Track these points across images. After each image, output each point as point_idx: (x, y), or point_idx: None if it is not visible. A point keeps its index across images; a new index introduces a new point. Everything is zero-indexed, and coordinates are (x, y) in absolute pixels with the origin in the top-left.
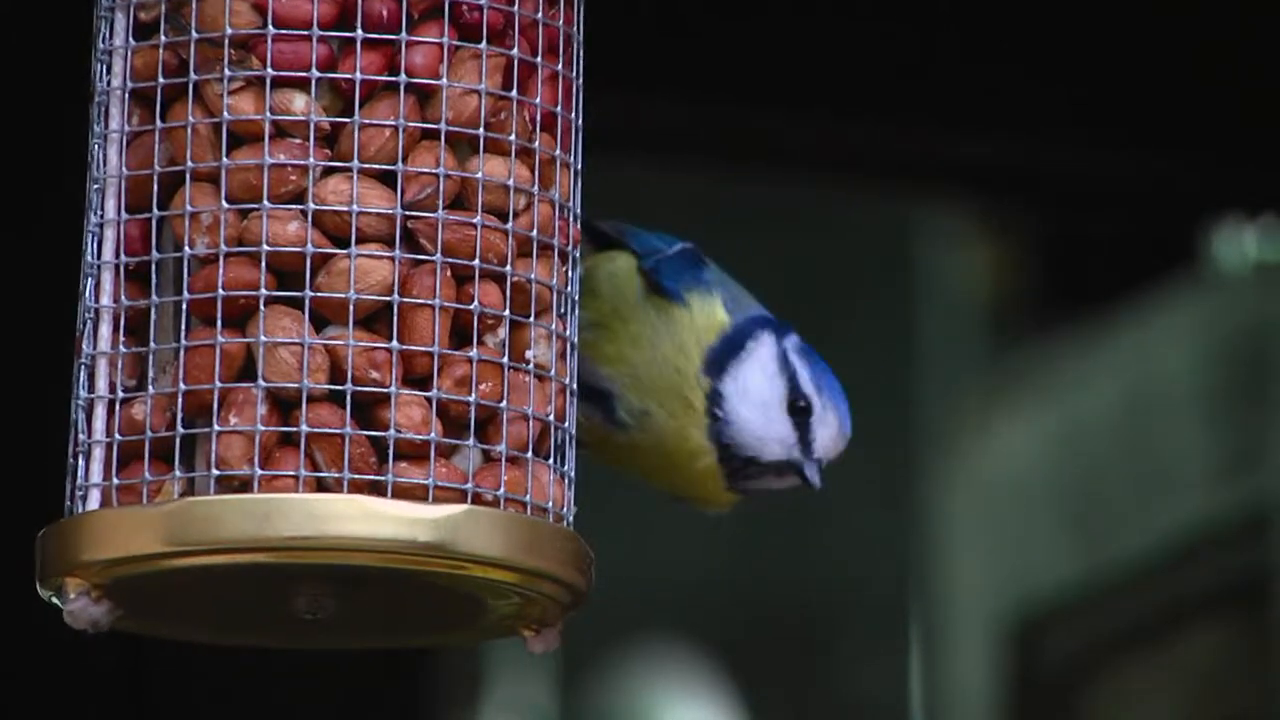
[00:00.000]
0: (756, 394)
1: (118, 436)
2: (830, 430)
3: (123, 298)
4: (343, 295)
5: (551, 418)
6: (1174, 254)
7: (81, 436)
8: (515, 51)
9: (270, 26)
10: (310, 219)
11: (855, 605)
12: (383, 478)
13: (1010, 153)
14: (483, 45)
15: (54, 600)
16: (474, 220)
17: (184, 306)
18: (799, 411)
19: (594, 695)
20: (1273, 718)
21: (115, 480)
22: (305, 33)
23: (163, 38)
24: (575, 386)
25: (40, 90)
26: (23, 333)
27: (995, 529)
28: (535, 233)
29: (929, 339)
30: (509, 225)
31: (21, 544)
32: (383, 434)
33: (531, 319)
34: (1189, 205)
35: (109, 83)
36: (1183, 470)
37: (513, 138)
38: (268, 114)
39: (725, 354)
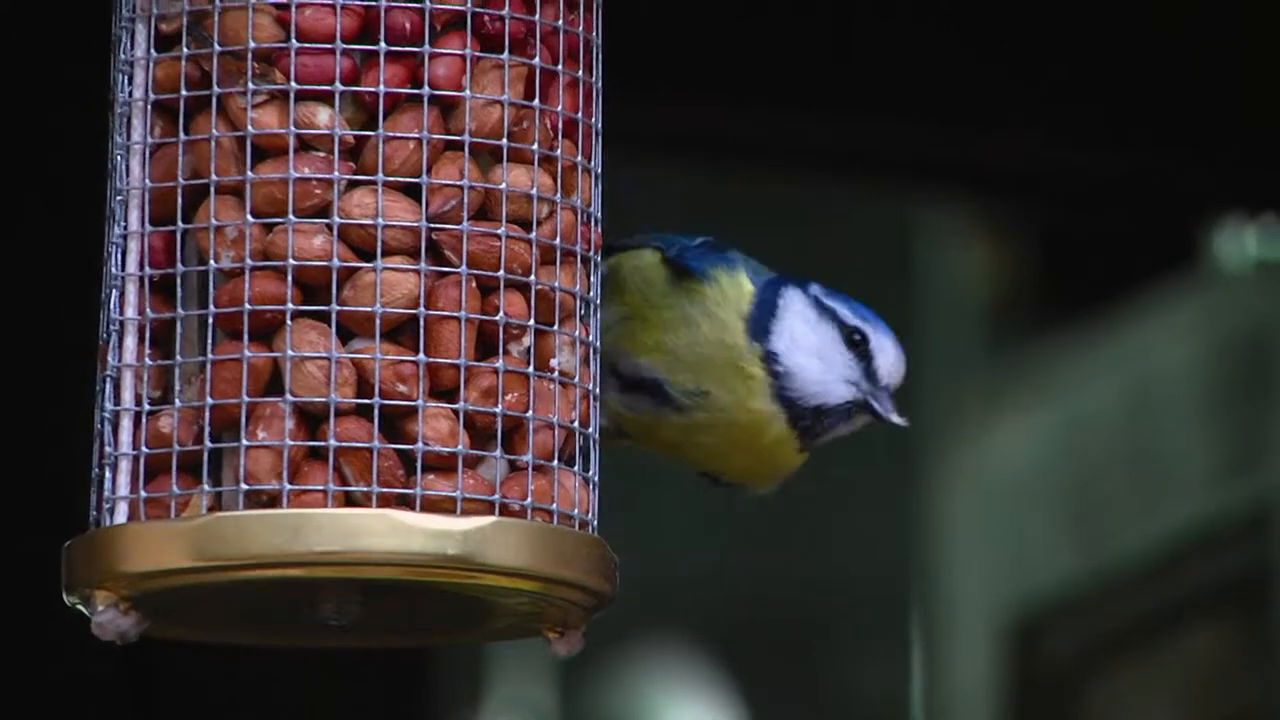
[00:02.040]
0: (807, 341)
1: (144, 449)
2: (890, 355)
3: (147, 310)
4: (369, 308)
5: (576, 424)
6: (1174, 253)
7: (108, 449)
8: (537, 60)
9: (293, 40)
10: (335, 232)
11: (855, 604)
12: (411, 490)
13: (1010, 152)
14: (505, 55)
15: (80, 609)
16: (498, 231)
17: (209, 320)
18: (856, 345)
19: (594, 695)
20: (1273, 717)
21: (143, 493)
22: (328, 46)
23: (185, 50)
24: (598, 390)
25: (43, 92)
26: (19, 334)
27: (995, 528)
28: (558, 240)
29: (928, 338)
30: (532, 234)
31: (23, 548)
32: (410, 447)
33: (556, 327)
34: (1189, 204)
35: (130, 94)
36: (1183, 469)
37: (535, 146)
38: (291, 127)
39: (762, 317)
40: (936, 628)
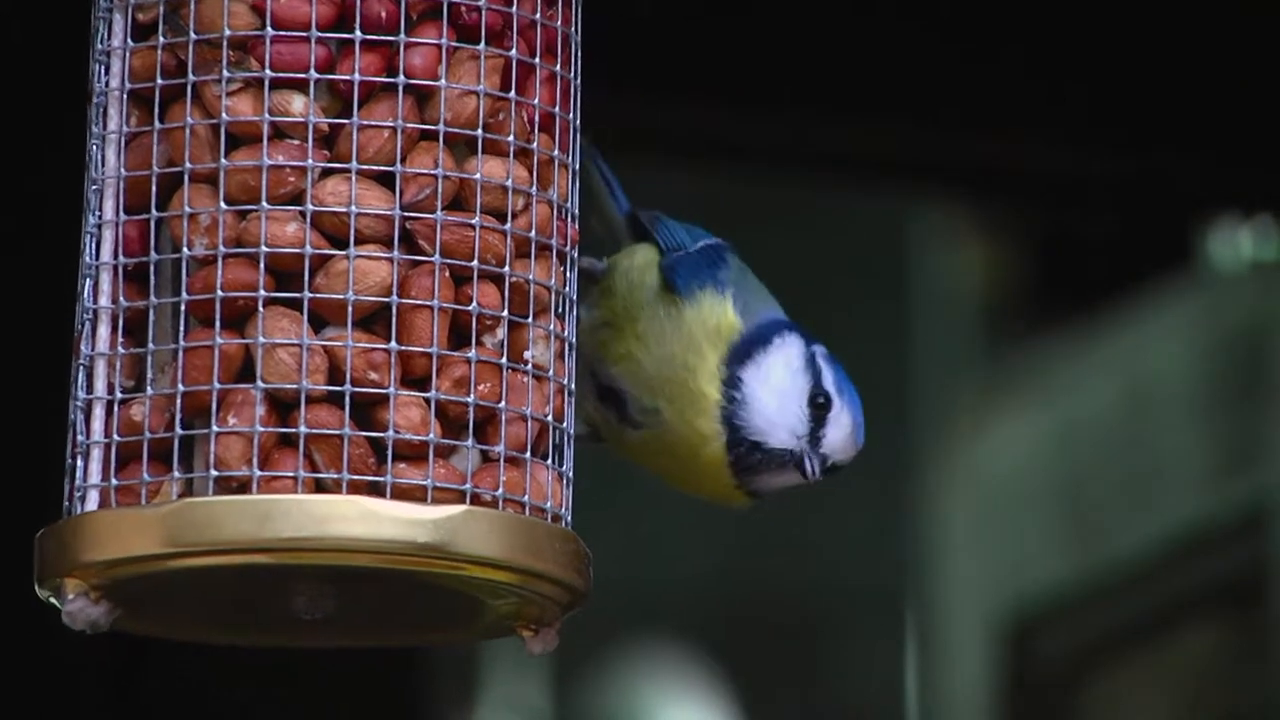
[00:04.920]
0: (777, 382)
1: (116, 437)
2: (843, 431)
3: (121, 299)
4: (341, 296)
5: (550, 418)
6: (1169, 253)
7: (80, 437)
8: (514, 52)
9: (269, 28)
10: (309, 220)
11: (851, 605)
12: (381, 479)
13: (1007, 152)
14: (481, 46)
15: (52, 600)
16: (472, 221)
17: (182, 307)
18: (817, 406)
19: (588, 694)
20: (1268, 716)
21: (114, 481)
22: (304, 34)
23: (161, 39)
24: (574, 386)
25: (41, 90)
26: (20, 332)
27: (990, 528)
28: (534, 233)
29: (924, 338)
30: (507, 226)
31: (14, 542)
32: (381, 435)
33: (530, 319)
34: (1184, 205)
35: (107, 83)
36: (1178, 469)
37: (511, 138)
38: (266, 115)
39: (749, 347)
40: (932, 628)
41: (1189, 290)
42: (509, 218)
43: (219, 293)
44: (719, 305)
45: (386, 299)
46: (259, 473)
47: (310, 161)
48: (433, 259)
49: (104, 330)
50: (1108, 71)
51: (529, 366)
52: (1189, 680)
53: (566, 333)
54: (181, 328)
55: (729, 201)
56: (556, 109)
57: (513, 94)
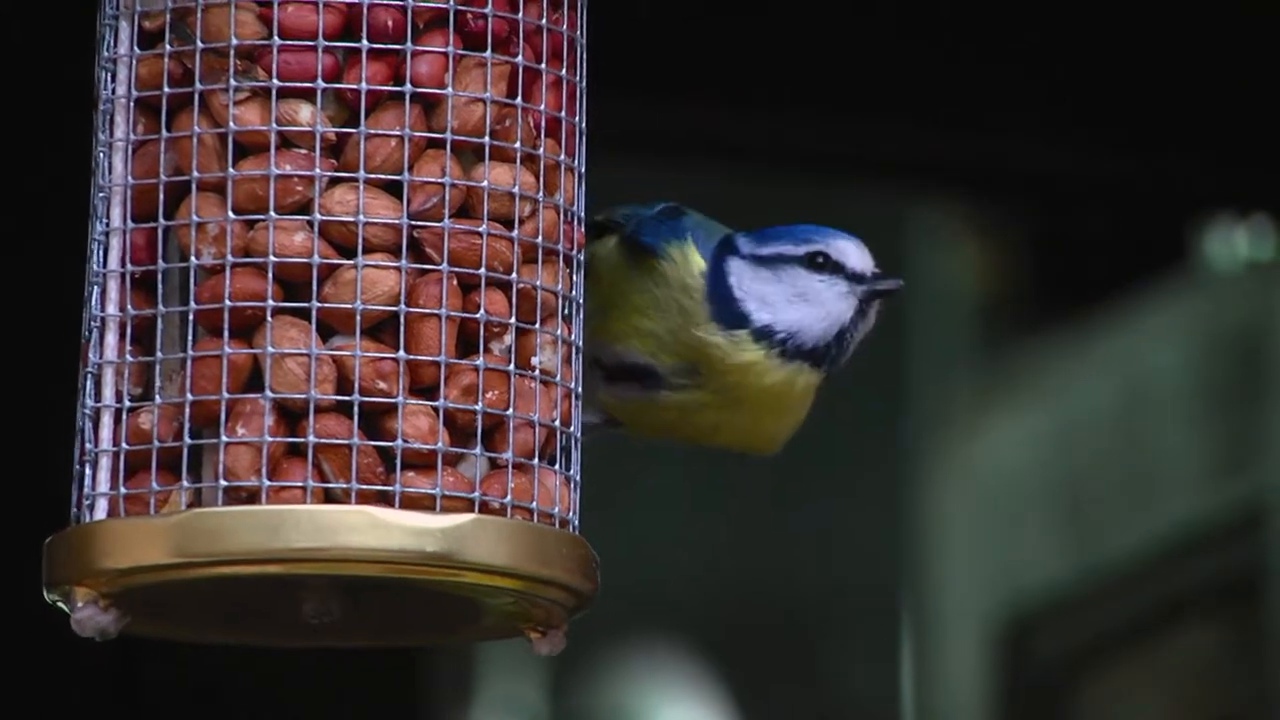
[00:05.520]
0: (782, 294)
1: (124, 446)
2: (853, 251)
3: (129, 307)
4: (349, 305)
5: (557, 423)
6: (1166, 253)
7: (88, 445)
8: (520, 59)
9: (276, 37)
10: (316, 229)
11: (847, 605)
12: (390, 488)
13: (1004, 152)
14: (487, 54)
15: (60, 605)
16: (479, 229)
17: (190, 316)
18: (821, 266)
19: (585, 695)
20: (1266, 716)
21: (123, 490)
22: (310, 43)
23: (168, 47)
24: (580, 390)
25: (41, 90)
26: (20, 332)
27: (987, 528)
28: (540, 239)
29: (922, 337)
30: (514, 233)
31: (13, 541)
32: (390, 444)
33: (537, 325)
34: (1181, 205)
35: (114, 91)
36: (1174, 469)
37: (518, 145)
38: (274, 124)
39: (721, 296)
40: (928, 628)
41: (1186, 290)
42: (516, 224)
43: (227, 302)
44: (685, 249)
45: (394, 308)
46: (268, 483)
47: (318, 170)
48: (440, 267)
49: (111, 338)
50: (1106, 71)
51: (537, 372)
52: (1187, 680)
53: (573, 337)
54: (189, 337)
55: (729, 202)
56: (563, 113)
57: (519, 100)
